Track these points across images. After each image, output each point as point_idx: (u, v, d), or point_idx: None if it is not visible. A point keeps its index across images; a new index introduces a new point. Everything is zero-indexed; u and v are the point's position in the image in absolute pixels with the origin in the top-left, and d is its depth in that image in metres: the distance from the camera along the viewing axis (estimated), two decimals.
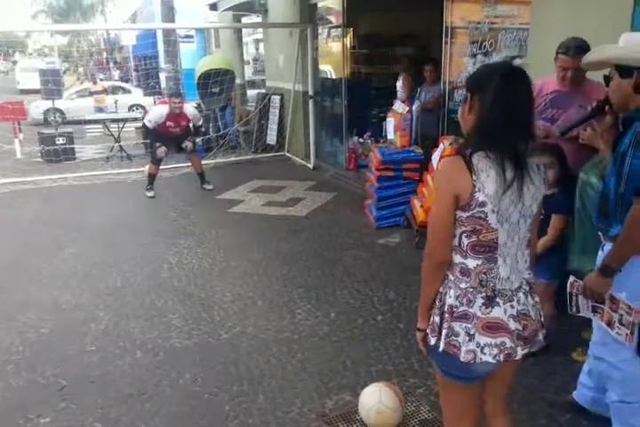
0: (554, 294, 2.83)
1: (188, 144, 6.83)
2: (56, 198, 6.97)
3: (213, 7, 12.78)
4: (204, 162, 7.76)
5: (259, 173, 7.99)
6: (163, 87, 11.15)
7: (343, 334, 3.33)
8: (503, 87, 1.53)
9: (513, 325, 1.60)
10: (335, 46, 7.98)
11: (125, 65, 24.65)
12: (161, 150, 6.67)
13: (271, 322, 3.52)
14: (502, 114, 1.52)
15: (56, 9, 38.61)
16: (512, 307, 1.61)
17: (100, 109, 14.47)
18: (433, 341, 1.66)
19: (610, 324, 2.03)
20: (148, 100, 15.58)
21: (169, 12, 10.45)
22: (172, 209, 6.22)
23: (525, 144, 1.57)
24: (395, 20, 8.43)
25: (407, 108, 5.32)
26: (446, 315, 1.61)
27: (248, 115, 10.33)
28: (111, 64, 25.38)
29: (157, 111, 6.69)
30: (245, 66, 13.32)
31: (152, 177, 6.89)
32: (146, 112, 8.26)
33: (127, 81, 21.51)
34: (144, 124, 6.85)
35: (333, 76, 8.23)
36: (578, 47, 2.91)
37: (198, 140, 7.81)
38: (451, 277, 1.63)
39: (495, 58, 4.64)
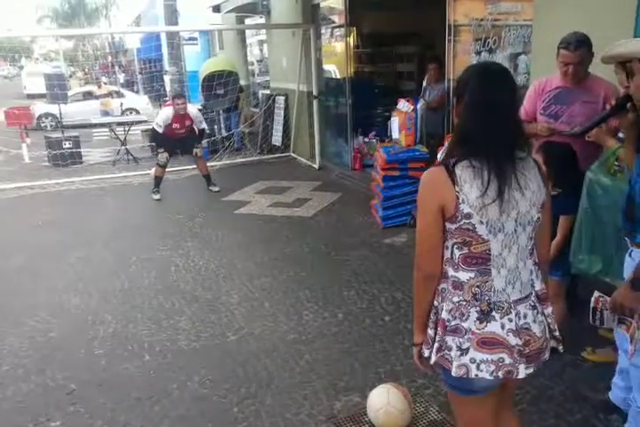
0: (566, 292, 2.81)
1: (197, 151, 7.00)
2: (64, 202, 7.01)
3: (216, 9, 12.80)
4: (209, 164, 7.79)
5: (264, 174, 8.00)
6: (167, 90, 11.19)
7: (351, 335, 3.32)
8: (479, 88, 1.47)
9: (513, 340, 1.52)
10: (338, 46, 7.98)
11: (130, 68, 24.76)
12: (162, 156, 6.80)
13: (278, 323, 3.52)
14: (480, 117, 1.46)
15: (61, 13, 38.87)
16: (510, 321, 1.53)
17: (105, 113, 14.53)
18: (427, 353, 1.62)
19: (632, 339, 1.89)
20: (141, 104, 15.66)
21: (172, 15, 10.48)
22: (178, 211, 6.23)
23: (511, 149, 1.49)
24: (397, 19, 8.42)
25: (412, 107, 5.30)
26: (439, 329, 1.57)
27: (253, 116, 10.34)
28: (116, 68, 25.49)
29: (164, 114, 6.77)
30: (249, 66, 13.35)
31: (158, 180, 6.92)
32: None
33: (132, 84, 21.61)
34: (153, 129, 6.92)
35: (337, 76, 8.23)
36: (579, 41, 2.89)
37: (203, 142, 7.84)
38: (445, 290, 1.57)
39: (499, 55, 4.62)
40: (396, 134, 5.50)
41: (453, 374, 1.54)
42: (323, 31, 8.27)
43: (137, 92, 18.57)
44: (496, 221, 1.48)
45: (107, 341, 3.39)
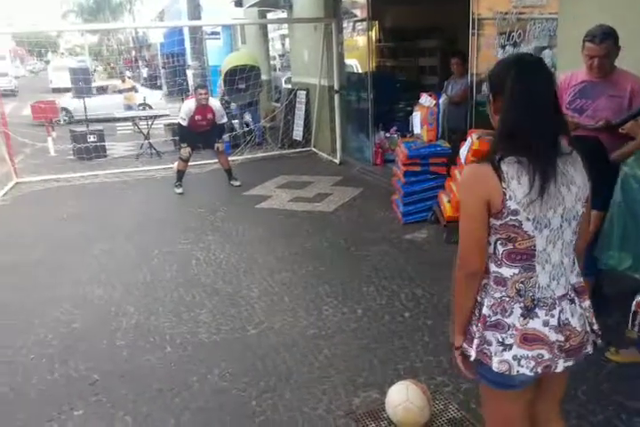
0: (591, 291, 2.76)
1: (219, 146, 7.04)
2: (88, 195, 7.13)
3: (239, 4, 12.84)
4: (231, 158, 7.84)
5: (285, 168, 8.01)
6: (190, 84, 11.25)
7: (370, 331, 3.32)
8: (518, 80, 1.44)
9: (554, 336, 1.51)
10: (360, 40, 7.92)
11: (153, 62, 24.97)
12: (185, 151, 6.85)
13: (298, 318, 3.53)
14: (523, 109, 1.43)
15: (85, 8, 39.36)
16: (553, 316, 1.52)
17: (129, 107, 14.69)
18: (470, 351, 1.59)
19: None
20: (154, 99, 15.68)
21: (195, 10, 10.54)
22: (200, 205, 6.28)
23: (556, 141, 1.47)
24: (420, 13, 8.32)
25: (434, 102, 5.26)
26: (480, 324, 1.55)
27: (273, 111, 10.34)
28: (140, 62, 25.73)
29: (186, 106, 6.85)
30: (271, 61, 13.35)
31: (181, 173, 6.99)
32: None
33: (155, 78, 21.79)
34: (179, 124, 6.98)
35: (359, 71, 8.18)
36: (604, 33, 2.82)
37: (225, 136, 7.90)
38: (487, 286, 1.56)
39: (524, 49, 4.54)
40: (417, 129, 5.46)
41: (494, 369, 1.53)
42: (345, 25, 8.22)
43: (160, 86, 18.70)
44: (542, 218, 1.47)
45: (129, 332, 3.45)
